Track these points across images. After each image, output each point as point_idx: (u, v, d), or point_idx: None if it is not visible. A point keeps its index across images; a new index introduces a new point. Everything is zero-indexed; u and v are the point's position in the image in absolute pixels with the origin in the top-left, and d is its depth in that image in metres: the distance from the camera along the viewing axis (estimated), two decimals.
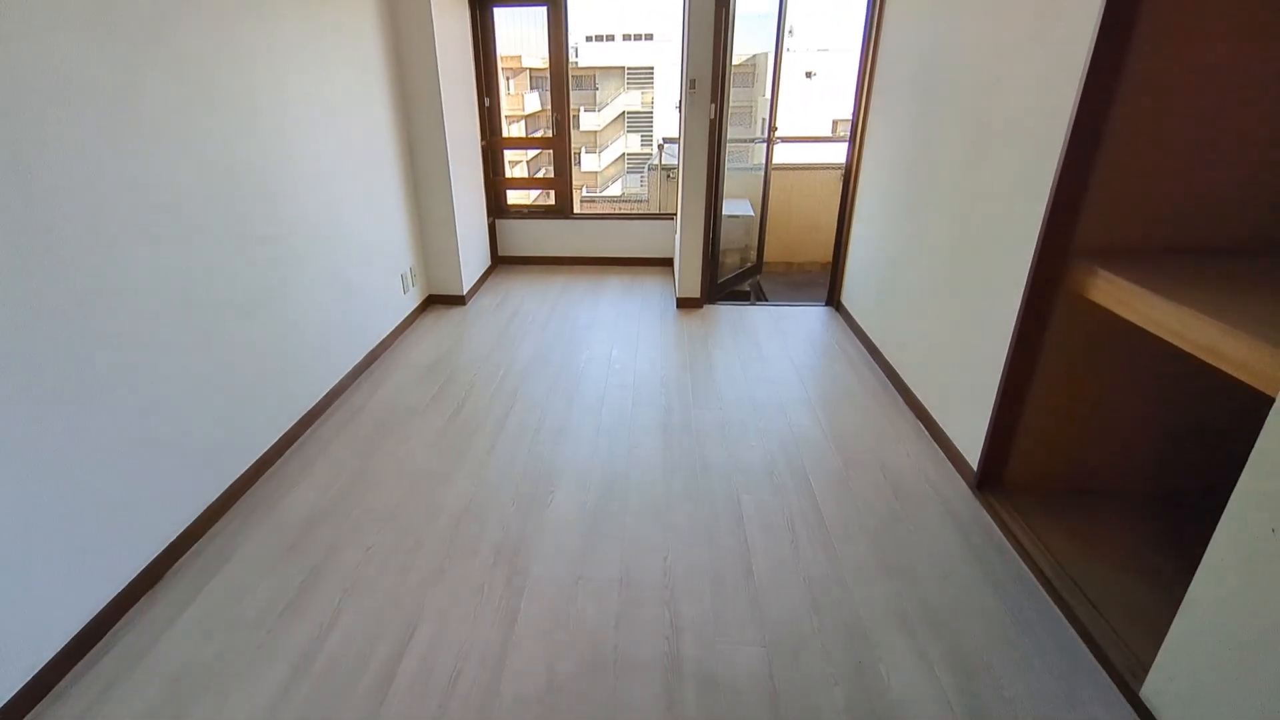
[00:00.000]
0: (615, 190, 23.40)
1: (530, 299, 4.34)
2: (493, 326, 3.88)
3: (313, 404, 2.81)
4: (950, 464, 2.49)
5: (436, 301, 4.21)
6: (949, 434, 2.54)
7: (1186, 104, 1.79)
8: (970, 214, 2.42)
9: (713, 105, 3.72)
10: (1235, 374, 1.40)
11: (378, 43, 3.40)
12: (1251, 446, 1.27)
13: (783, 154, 5.19)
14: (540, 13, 4.49)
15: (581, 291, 4.51)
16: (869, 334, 3.50)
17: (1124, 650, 1.67)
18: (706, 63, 3.62)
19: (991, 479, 2.32)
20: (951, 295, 2.56)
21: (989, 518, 2.22)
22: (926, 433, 2.70)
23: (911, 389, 2.89)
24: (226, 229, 2.26)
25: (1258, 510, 1.25)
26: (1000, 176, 2.22)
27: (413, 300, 3.93)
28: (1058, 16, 1.91)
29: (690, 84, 3.67)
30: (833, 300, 4.20)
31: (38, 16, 1.56)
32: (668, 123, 22.44)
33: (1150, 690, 1.53)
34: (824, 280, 4.84)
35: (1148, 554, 2.00)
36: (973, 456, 2.37)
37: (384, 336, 3.50)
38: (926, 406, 2.74)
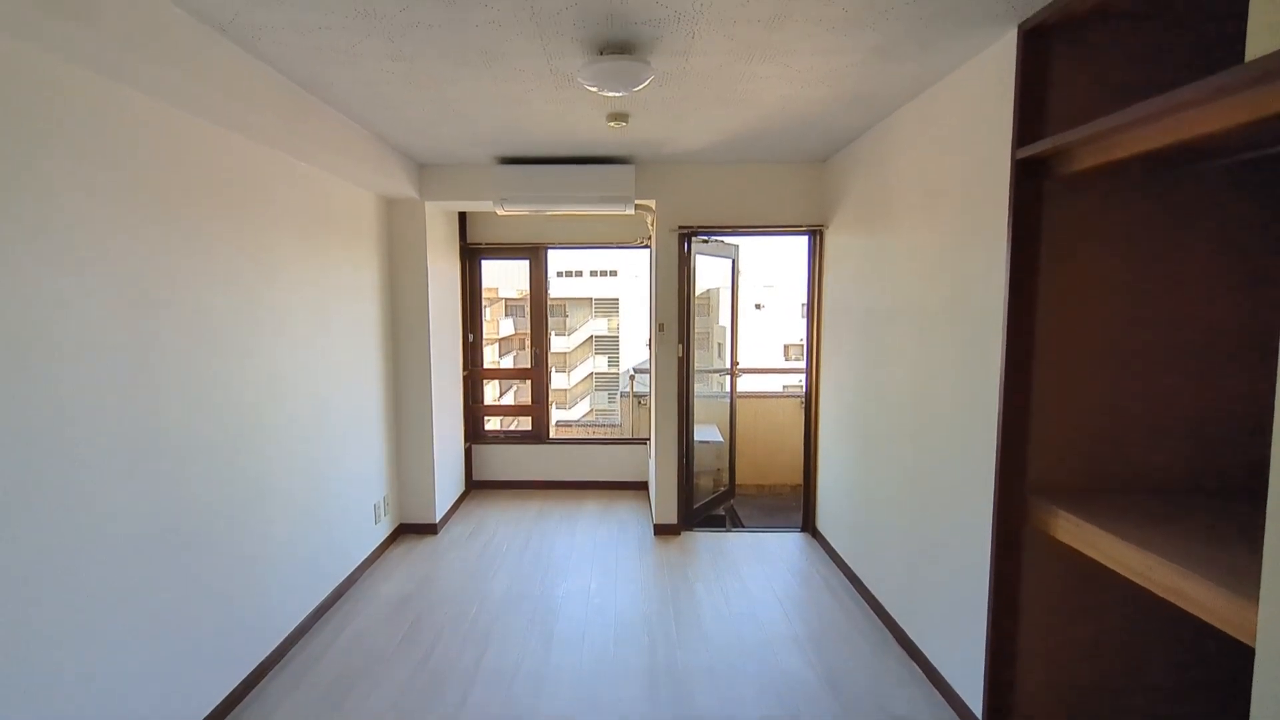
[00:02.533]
0: (584, 406, 24.15)
1: (505, 526, 4.27)
2: (466, 557, 3.75)
3: (267, 652, 2.59)
4: (952, 709, 2.37)
5: (408, 531, 4.10)
6: (945, 676, 2.45)
7: (1091, 354, 2.08)
8: (924, 453, 2.61)
9: (680, 345, 4.09)
10: (1205, 618, 1.46)
11: (375, 288, 3.75)
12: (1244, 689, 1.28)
13: (745, 381, 5.57)
14: (522, 260, 5.07)
15: (557, 518, 4.46)
16: (848, 563, 3.50)
17: None
18: (673, 310, 4.05)
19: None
20: (922, 530, 2.64)
21: None
22: (922, 674, 2.59)
23: (901, 625, 2.83)
24: (209, 467, 2.28)
25: None
26: (946, 418, 2.45)
27: (384, 530, 3.83)
28: (970, 287, 2.27)
29: (659, 327, 4.07)
30: (808, 526, 4.24)
31: (68, 289, 1.74)
32: (633, 345, 24.03)
33: None
34: (796, 504, 4.93)
35: None
36: (974, 702, 2.26)
37: (351, 570, 3.34)
38: (919, 645, 2.67)
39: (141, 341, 1.96)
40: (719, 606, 3.18)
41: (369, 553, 3.59)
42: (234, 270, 2.39)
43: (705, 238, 4.19)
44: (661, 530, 4.16)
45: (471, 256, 4.93)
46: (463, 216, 4.80)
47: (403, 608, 3.13)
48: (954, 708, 2.37)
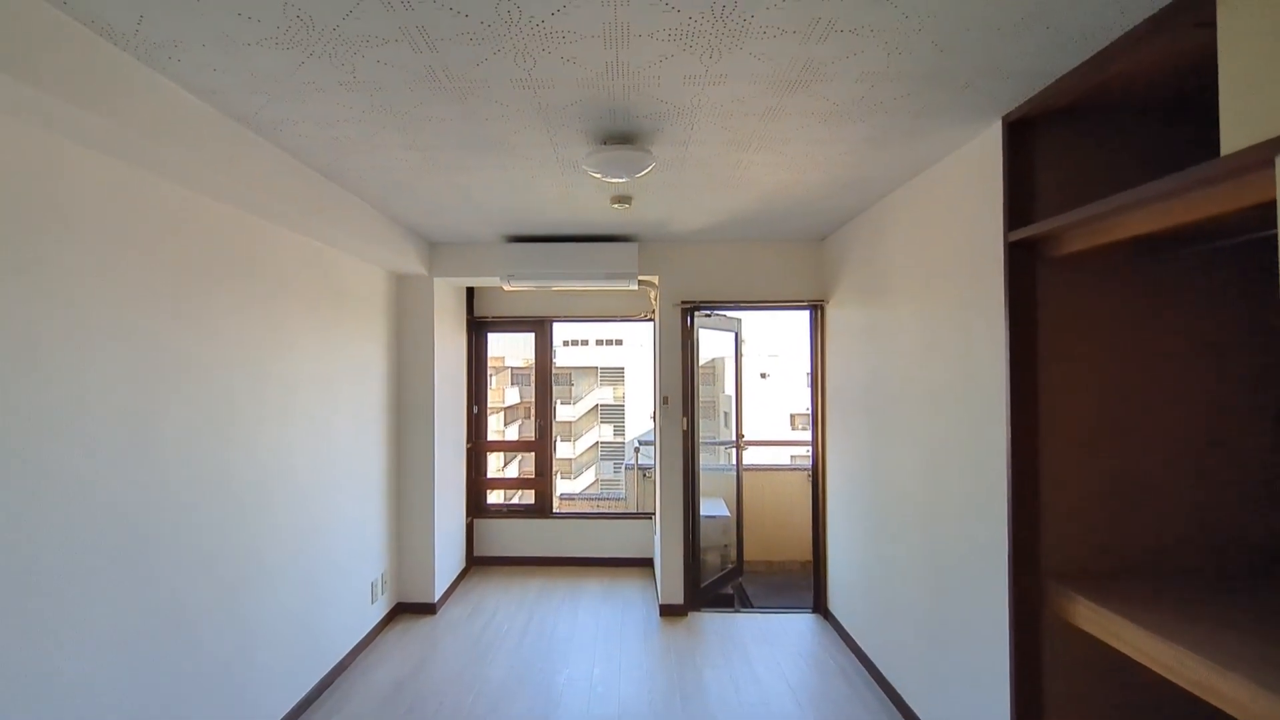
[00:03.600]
0: (589, 476, 23.85)
1: (505, 606, 4.14)
2: (464, 639, 3.62)
3: None
4: None
5: (405, 610, 3.98)
6: None
7: (1096, 432, 2.05)
8: (935, 534, 2.54)
9: (684, 418, 4.07)
10: (1236, 715, 1.38)
11: (382, 362, 3.79)
12: None
13: (752, 453, 5.50)
14: (527, 333, 5.13)
15: (559, 597, 4.33)
16: (862, 647, 3.35)
17: None
18: (676, 382, 4.06)
19: None
20: (938, 615, 2.54)
21: None
22: None
23: (919, 716, 2.68)
24: (207, 546, 2.24)
25: None
26: (956, 499, 2.40)
27: (380, 610, 3.71)
28: (971, 365, 2.27)
29: (663, 400, 4.06)
30: (819, 607, 4.09)
31: (81, 368, 1.76)
32: (638, 415, 23.95)
33: None
34: (805, 581, 4.79)
35: None
36: None
37: (344, 654, 3.22)
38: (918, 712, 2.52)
39: (145, 415, 1.97)
40: (728, 696, 3.03)
41: (364, 634, 3.47)
42: (244, 346, 2.43)
43: (708, 312, 4.25)
44: (667, 611, 4.02)
45: (478, 329, 5.00)
46: (470, 291, 4.90)
47: (397, 695, 2.99)
48: None
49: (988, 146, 2.22)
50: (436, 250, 4.04)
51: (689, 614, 4.04)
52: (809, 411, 4.20)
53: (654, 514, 4.76)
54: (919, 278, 2.73)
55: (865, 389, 3.33)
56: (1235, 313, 2.10)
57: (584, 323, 5.14)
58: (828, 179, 2.74)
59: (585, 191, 2.92)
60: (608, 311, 4.97)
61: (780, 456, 11.54)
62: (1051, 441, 2.08)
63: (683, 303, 4.03)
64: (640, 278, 4.01)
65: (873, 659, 3.21)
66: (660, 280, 4.06)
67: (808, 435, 4.26)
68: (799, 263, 4.07)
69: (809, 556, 5.27)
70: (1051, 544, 2.06)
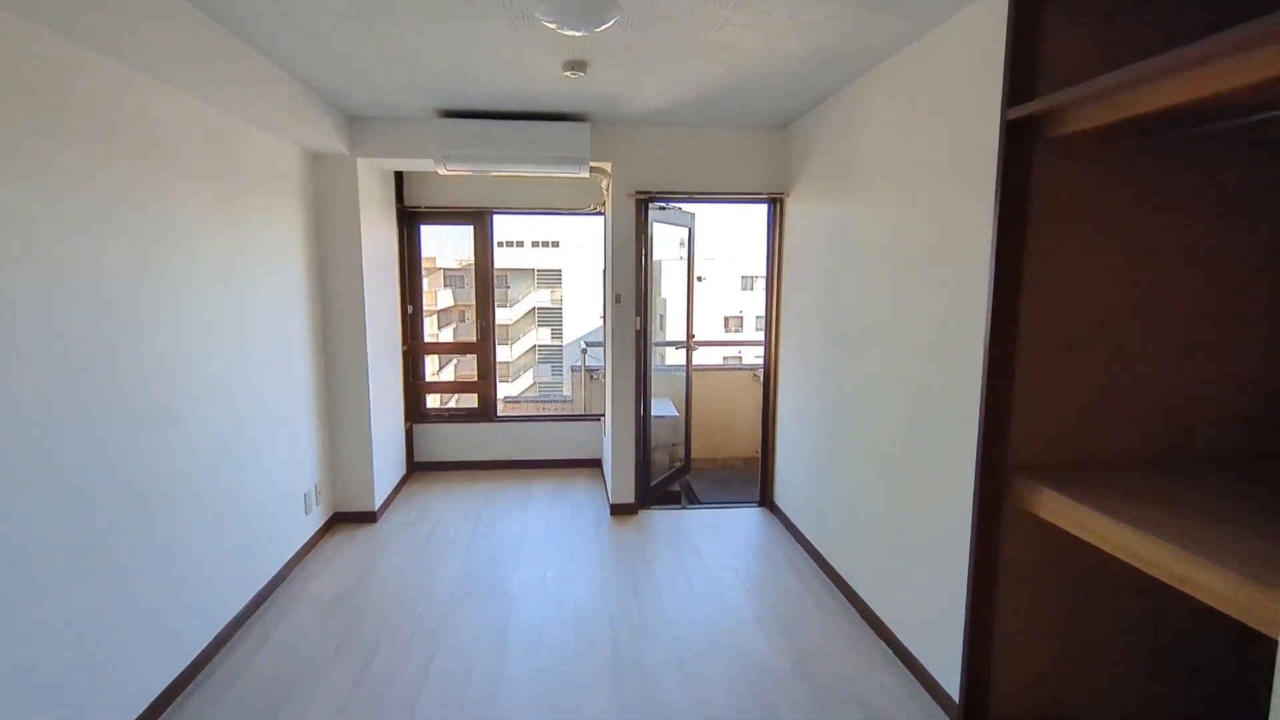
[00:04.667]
0: (526, 379, 23.71)
1: (451, 511, 4.01)
2: (409, 547, 3.49)
3: (185, 664, 2.29)
4: (928, 694, 2.31)
5: (344, 520, 3.79)
6: (920, 660, 2.39)
7: (1076, 330, 2.00)
8: (900, 431, 2.51)
9: (638, 318, 3.88)
10: (1215, 605, 1.39)
11: (302, 254, 3.38)
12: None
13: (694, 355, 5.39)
14: (465, 225, 4.72)
15: (507, 500, 4.23)
16: (811, 540, 3.43)
17: None
18: (630, 280, 3.83)
19: (979, 715, 2.15)
20: (897, 511, 2.56)
21: None
22: (894, 656, 2.53)
23: (871, 606, 2.76)
24: (112, 467, 1.95)
25: None
26: (925, 396, 2.35)
27: (315, 521, 3.51)
28: (953, 258, 2.15)
29: (616, 298, 3.85)
30: (766, 501, 4.16)
31: None
32: (577, 317, 23.67)
33: None
34: (750, 477, 4.89)
35: None
36: (950, 684, 2.21)
37: (278, 569, 3.04)
38: (891, 627, 2.60)
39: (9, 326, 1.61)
40: (682, 591, 3.05)
41: (299, 546, 3.28)
42: (133, 239, 2.03)
43: (663, 204, 3.97)
44: (618, 510, 4.00)
45: (409, 221, 4.55)
46: (399, 177, 4.41)
47: (339, 608, 2.86)
48: (930, 691, 2.31)
49: (990, 11, 1.99)
50: (359, 126, 3.54)
51: (639, 512, 4.04)
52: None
53: (603, 415, 4.66)
54: (896, 167, 2.54)
55: (827, 286, 3.21)
56: (1231, 209, 2.04)
57: (528, 215, 4.76)
58: (807, 48, 2.46)
59: (535, 55, 2.52)
60: (554, 203, 4.60)
61: (713, 357, 11.63)
62: (1031, 338, 2.01)
63: (637, 193, 3.73)
64: (592, 164, 3.66)
65: (822, 551, 3.28)
66: (613, 168, 3.72)
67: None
68: (759, 152, 3.81)
69: (753, 453, 5.40)
70: (1021, 440, 2.04)
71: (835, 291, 3.10)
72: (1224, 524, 1.56)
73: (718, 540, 3.64)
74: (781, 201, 3.85)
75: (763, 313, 4.11)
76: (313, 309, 3.47)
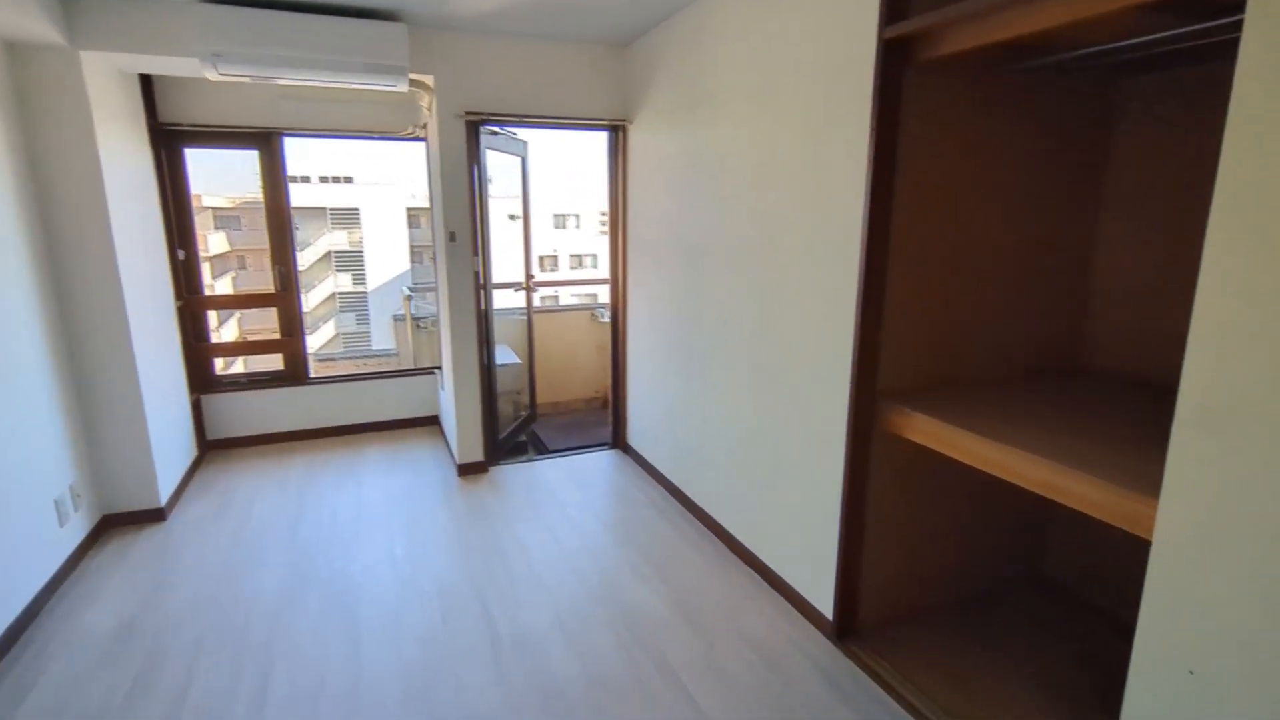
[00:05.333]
0: (328, 330, 21.41)
1: (265, 494, 3.41)
2: (215, 545, 2.89)
3: None
4: (804, 618, 2.40)
5: (119, 524, 3.03)
6: (795, 586, 2.47)
7: (940, 256, 2.08)
8: (765, 366, 2.51)
9: (476, 257, 3.49)
10: (1085, 510, 1.51)
11: (9, 185, 2.50)
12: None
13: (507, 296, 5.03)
14: (226, 151, 3.88)
15: (335, 473, 3.70)
16: (670, 478, 3.42)
17: None
18: (464, 216, 3.41)
19: (849, 627, 2.28)
20: (764, 443, 2.58)
21: (862, 674, 2.13)
22: (765, 583, 2.60)
23: (739, 538, 2.81)
24: None
25: (1170, 657, 1.29)
26: (792, 328, 2.34)
27: (77, 531, 2.76)
28: (822, 186, 2.11)
29: (450, 236, 3.41)
30: (619, 443, 4.09)
31: None
32: (380, 262, 21.65)
33: None
34: (594, 418, 4.82)
35: (1011, 676, 2.08)
36: (824, 605, 2.31)
37: (28, 602, 2.33)
38: (759, 555, 2.67)
39: None
40: (549, 547, 2.88)
41: (56, 569, 2.55)
42: None
43: (496, 129, 3.54)
44: (467, 469, 3.68)
45: (169, 143, 3.60)
46: (149, 83, 3.44)
47: (127, 637, 2.26)
48: (805, 614, 2.40)
49: None
50: (80, 6, 2.62)
51: (490, 469, 3.76)
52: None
53: (439, 368, 4.23)
54: (756, 91, 2.43)
55: (679, 220, 3.08)
56: (1080, 135, 2.21)
57: (331, 138, 4.01)
58: None
59: None
60: (364, 124, 3.91)
61: (535, 300, 11.31)
62: (898, 265, 2.05)
63: (467, 114, 3.27)
64: (413, 77, 3.11)
65: (683, 489, 3.28)
66: (438, 83, 3.20)
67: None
68: (600, 75, 3.51)
69: (593, 393, 5.30)
70: (889, 364, 2.10)
71: (691, 224, 2.98)
72: (1079, 436, 1.70)
73: (577, 489, 3.50)
74: (624, 129, 3.62)
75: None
76: (33, 258, 2.60)
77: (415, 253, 21.60)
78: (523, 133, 3.90)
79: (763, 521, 2.65)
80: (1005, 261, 2.20)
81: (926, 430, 1.95)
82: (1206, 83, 1.98)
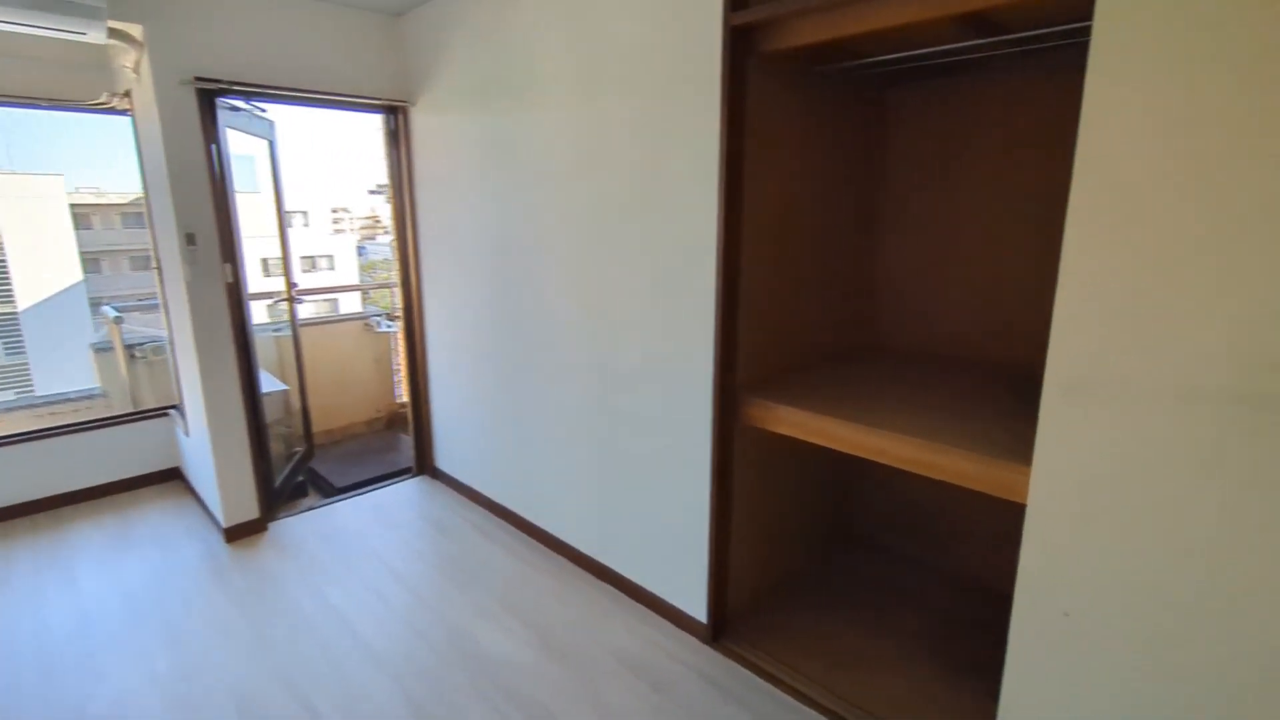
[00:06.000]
0: None
1: None
2: None
3: None
4: (675, 626, 2.31)
5: None
6: (660, 595, 2.37)
7: (776, 251, 2.13)
8: (613, 369, 2.36)
9: (227, 265, 2.77)
10: (958, 482, 1.62)
11: None
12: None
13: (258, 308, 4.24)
14: None
15: (29, 568, 2.68)
16: (499, 501, 3.09)
17: None
18: (205, 212, 2.67)
19: (722, 626, 2.25)
20: (616, 451, 2.43)
21: (744, 670, 2.11)
22: (631, 599, 2.47)
23: (592, 556, 2.62)
24: None
25: (1045, 599, 1.44)
26: (639, 329, 2.22)
27: None
28: (666, 183, 2.02)
29: (188, 239, 2.65)
30: (425, 468, 3.63)
31: None
32: (34, 274, 16.87)
33: None
34: (384, 443, 4.29)
35: (869, 634, 2.22)
36: (695, 609, 2.25)
37: None
38: (620, 571, 2.52)
39: None
40: (373, 608, 2.41)
41: None
42: None
43: (239, 103, 2.83)
44: (238, 532, 2.93)
45: None
46: None
47: None
48: (675, 622, 2.32)
49: None
50: None
51: (269, 526, 3.05)
52: (401, 271, 3.37)
53: (176, 407, 3.32)
54: (587, 75, 2.23)
55: (491, 216, 2.77)
56: (867, 138, 2.39)
57: None
58: None
59: None
60: (22, 88, 2.84)
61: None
62: (749, 259, 2.03)
63: (199, 80, 2.53)
64: (113, 24, 2.30)
65: (512, 509, 2.99)
66: (149, 36, 2.42)
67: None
68: (368, 45, 3.00)
69: (376, 413, 4.68)
70: (745, 359, 2.09)
71: (507, 221, 2.69)
72: (934, 413, 1.84)
73: (388, 530, 3.01)
74: (404, 112, 3.16)
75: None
76: None
77: (89, 261, 17.21)
78: (275, 110, 3.20)
79: (617, 533, 2.50)
80: (821, 253, 2.32)
81: (793, 421, 1.96)
82: (959, 93, 2.25)
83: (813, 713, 1.92)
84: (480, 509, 3.19)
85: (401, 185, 3.27)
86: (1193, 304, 1.16)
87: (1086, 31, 1.30)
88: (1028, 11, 1.54)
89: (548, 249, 2.51)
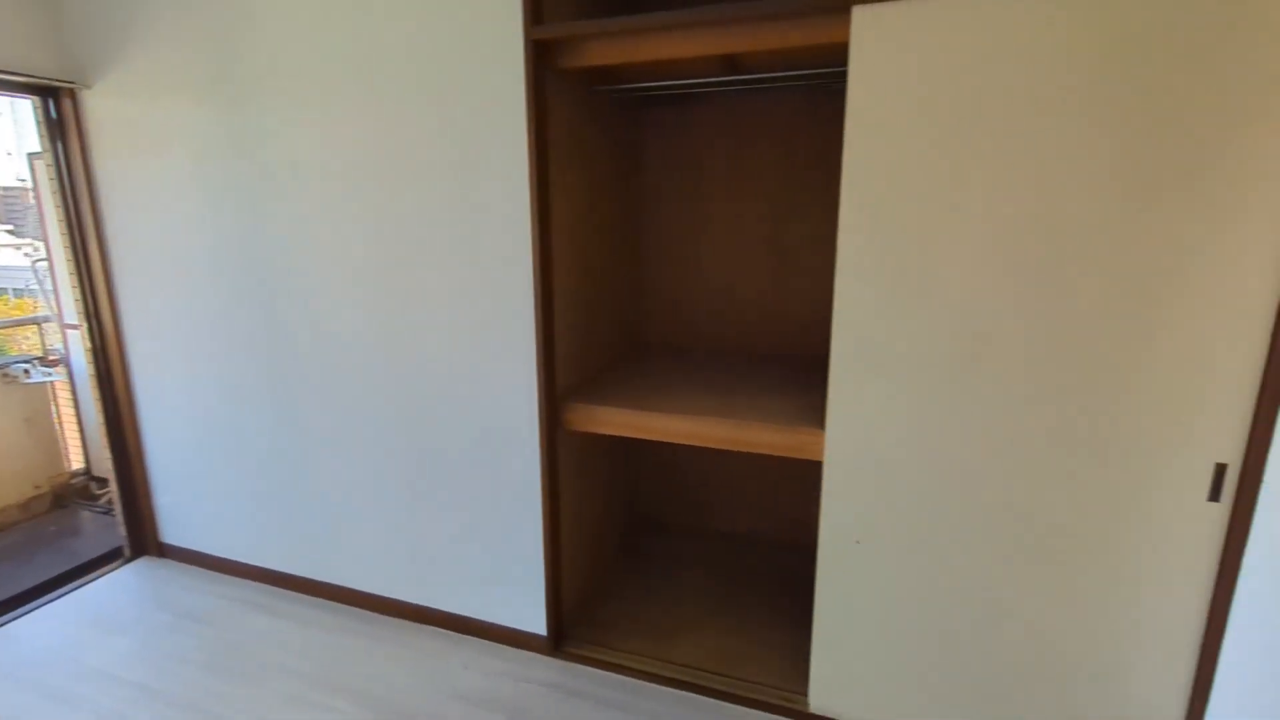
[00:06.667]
0: None
1: None
2: None
3: None
4: (515, 648, 2.25)
5: None
6: (494, 621, 2.28)
7: (579, 257, 2.23)
8: (424, 395, 2.19)
9: None
10: (768, 451, 1.89)
11: None
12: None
13: None
14: None
15: None
16: (272, 566, 2.62)
17: (775, 691, 2.02)
18: None
19: (562, 634, 2.27)
20: (426, 485, 2.26)
21: (590, 668, 2.17)
22: (464, 634, 2.32)
23: (411, 602, 2.39)
24: None
25: (842, 532, 1.78)
26: (450, 352, 2.11)
27: None
28: (468, 195, 1.96)
29: None
30: (145, 548, 2.90)
31: None
32: None
33: (817, 702, 1.93)
34: (59, 528, 3.40)
35: (692, 604, 2.43)
36: (532, 624, 2.22)
37: None
38: (447, 609, 2.34)
39: None
40: None
41: None
42: None
43: None
44: None
45: None
46: None
47: None
48: (514, 643, 2.27)
49: None
50: None
51: None
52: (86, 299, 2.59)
53: None
54: (365, 73, 2.01)
55: (238, 230, 2.32)
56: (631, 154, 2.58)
57: None
58: None
59: None
60: None
61: None
62: (559, 266, 2.06)
63: None
64: None
65: (295, 572, 2.57)
66: None
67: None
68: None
69: (35, 490, 3.57)
70: (563, 361, 2.12)
71: (268, 231, 2.28)
72: (736, 397, 2.09)
73: (115, 636, 2.37)
74: (72, 95, 2.46)
75: None
76: None
77: None
78: None
79: (438, 571, 2.33)
80: (609, 257, 2.47)
81: (616, 421, 2.06)
82: (705, 116, 2.56)
83: (655, 686, 2.06)
84: (248, 582, 2.67)
85: (76, 191, 2.55)
86: (922, 295, 1.56)
87: (815, 77, 1.67)
88: (769, 58, 1.86)
89: (329, 265, 2.22)
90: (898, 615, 1.76)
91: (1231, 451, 1.42)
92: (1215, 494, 1.44)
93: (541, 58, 1.84)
